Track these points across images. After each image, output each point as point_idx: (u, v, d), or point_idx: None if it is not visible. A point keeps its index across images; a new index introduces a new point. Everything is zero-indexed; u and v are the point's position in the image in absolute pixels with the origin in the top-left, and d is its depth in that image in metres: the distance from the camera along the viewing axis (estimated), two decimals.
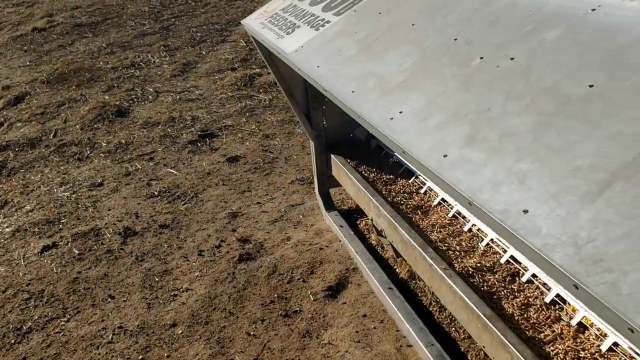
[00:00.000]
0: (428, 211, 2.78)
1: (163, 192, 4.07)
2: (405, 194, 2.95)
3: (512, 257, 2.32)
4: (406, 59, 1.71)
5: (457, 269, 2.29)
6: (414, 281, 2.88)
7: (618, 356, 1.82)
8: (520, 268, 2.28)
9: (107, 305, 2.98)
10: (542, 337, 1.97)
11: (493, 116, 1.28)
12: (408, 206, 2.83)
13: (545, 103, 1.22)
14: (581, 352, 1.88)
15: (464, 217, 2.64)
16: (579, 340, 1.93)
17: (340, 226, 3.34)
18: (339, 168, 3.28)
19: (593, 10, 1.41)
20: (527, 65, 1.37)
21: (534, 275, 2.21)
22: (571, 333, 1.96)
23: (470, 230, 2.56)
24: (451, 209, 2.71)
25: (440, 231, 2.59)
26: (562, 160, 1.07)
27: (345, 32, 2.15)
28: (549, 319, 2.04)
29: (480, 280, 2.25)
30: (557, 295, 2.09)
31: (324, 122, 3.42)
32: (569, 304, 2.06)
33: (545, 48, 1.39)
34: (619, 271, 0.84)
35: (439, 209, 2.77)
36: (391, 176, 3.13)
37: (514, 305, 2.12)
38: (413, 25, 1.88)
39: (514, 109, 1.26)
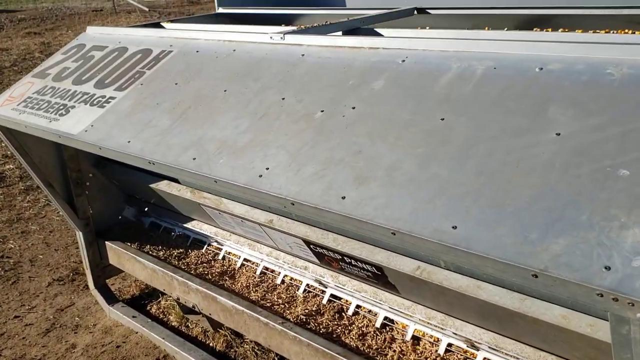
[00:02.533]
0: (234, 274, 2.77)
1: None
2: (205, 264, 2.88)
3: (332, 295, 2.47)
4: (239, 121, 1.74)
5: (292, 321, 2.33)
6: (232, 349, 2.81)
7: (454, 354, 2.10)
8: (342, 303, 2.44)
9: None
10: (388, 358, 2.15)
11: (369, 156, 1.40)
12: (213, 275, 2.77)
13: (411, 138, 1.40)
14: None
15: (272, 272, 2.70)
16: (419, 351, 2.16)
17: (133, 316, 3.05)
18: (121, 254, 3.02)
19: (403, 61, 1.68)
20: (371, 111, 1.55)
21: (358, 306, 2.39)
22: (410, 347, 2.18)
23: (283, 281, 2.64)
24: (257, 267, 2.75)
25: (257, 290, 2.60)
26: (455, 183, 1.25)
27: (143, 104, 2.06)
28: (386, 341, 2.23)
29: (315, 324, 2.34)
30: (385, 318, 2.30)
31: (90, 209, 3.13)
32: (398, 323, 2.28)
33: (379, 95, 1.59)
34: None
35: (244, 270, 2.78)
36: (181, 250, 3.01)
37: (352, 338, 2.26)
38: (226, 91, 1.92)
39: (385, 147, 1.41)
